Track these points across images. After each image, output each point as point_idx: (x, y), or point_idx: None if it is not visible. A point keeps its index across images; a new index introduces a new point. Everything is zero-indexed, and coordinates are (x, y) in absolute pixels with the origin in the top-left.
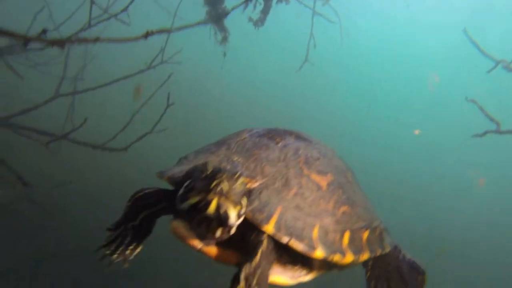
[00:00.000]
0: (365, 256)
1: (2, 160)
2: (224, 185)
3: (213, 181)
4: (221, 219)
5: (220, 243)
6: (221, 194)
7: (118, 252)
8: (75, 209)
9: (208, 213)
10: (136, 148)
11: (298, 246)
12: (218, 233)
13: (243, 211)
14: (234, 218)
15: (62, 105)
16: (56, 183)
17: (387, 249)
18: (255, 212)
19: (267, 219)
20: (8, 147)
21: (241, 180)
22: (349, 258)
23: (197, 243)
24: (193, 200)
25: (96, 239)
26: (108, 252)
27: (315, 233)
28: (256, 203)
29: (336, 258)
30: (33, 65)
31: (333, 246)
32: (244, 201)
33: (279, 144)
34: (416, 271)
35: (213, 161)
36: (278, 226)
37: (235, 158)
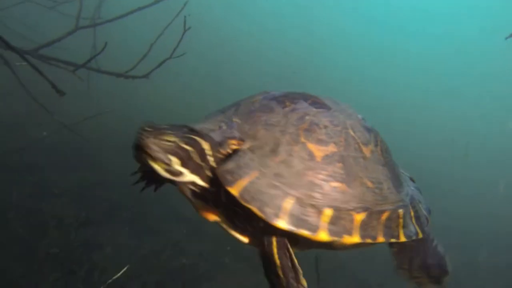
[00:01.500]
0: (352, 239)
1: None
2: (142, 141)
3: (137, 137)
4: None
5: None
6: (139, 149)
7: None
8: (108, 139)
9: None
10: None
11: (261, 213)
12: (170, 177)
13: (174, 168)
14: (161, 172)
15: (85, 45)
16: (88, 115)
17: (402, 239)
18: (224, 173)
19: (233, 182)
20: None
21: (165, 137)
22: (322, 236)
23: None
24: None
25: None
26: (139, 179)
27: (287, 203)
28: (230, 165)
29: (305, 233)
30: (52, 6)
31: (305, 221)
32: (173, 158)
33: (287, 108)
34: (442, 270)
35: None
36: (244, 190)
37: (235, 119)
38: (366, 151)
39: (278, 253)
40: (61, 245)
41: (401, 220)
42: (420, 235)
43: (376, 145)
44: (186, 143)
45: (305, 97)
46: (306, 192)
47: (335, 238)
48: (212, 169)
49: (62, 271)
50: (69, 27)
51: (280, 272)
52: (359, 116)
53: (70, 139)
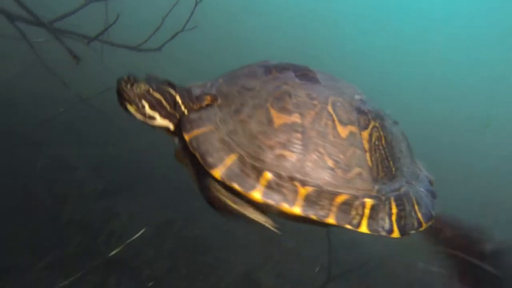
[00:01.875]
0: (293, 210)
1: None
2: (121, 87)
3: (117, 84)
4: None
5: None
6: (119, 94)
7: None
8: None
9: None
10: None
11: (202, 160)
12: (142, 119)
13: (145, 111)
14: (136, 114)
15: (94, 21)
16: (102, 88)
17: (363, 229)
18: (186, 121)
19: (190, 130)
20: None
21: (138, 85)
22: (256, 195)
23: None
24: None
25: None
26: None
27: (230, 159)
28: (193, 115)
29: (237, 187)
30: None
31: (241, 177)
32: (144, 103)
33: (270, 76)
34: None
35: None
36: (194, 138)
37: (220, 80)
38: (342, 130)
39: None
40: (82, 212)
41: (367, 211)
42: (395, 235)
43: (364, 129)
44: (156, 91)
45: (297, 69)
46: (252, 154)
47: (270, 202)
48: (184, 115)
49: (84, 235)
50: (78, 2)
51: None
52: (357, 97)
53: (86, 114)
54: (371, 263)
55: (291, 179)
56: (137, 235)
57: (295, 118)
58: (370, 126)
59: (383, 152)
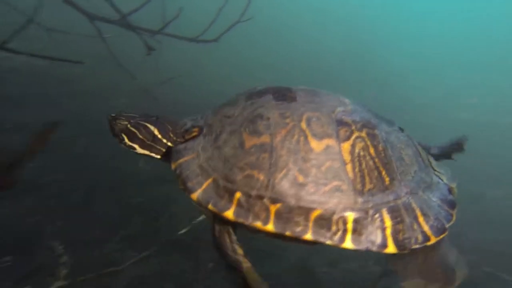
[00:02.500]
0: (266, 227)
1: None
2: (109, 123)
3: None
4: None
5: None
6: (109, 127)
7: None
8: (182, 102)
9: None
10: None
11: (182, 185)
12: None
13: (125, 142)
14: (119, 143)
15: (148, 15)
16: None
17: (347, 245)
18: (174, 151)
19: (176, 159)
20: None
21: (119, 121)
22: (228, 215)
23: None
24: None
25: None
26: None
27: (206, 183)
28: (180, 146)
29: (212, 208)
30: None
31: (215, 199)
32: (124, 136)
33: (248, 102)
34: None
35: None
36: (178, 166)
37: (208, 111)
38: (317, 144)
39: (215, 228)
40: (145, 197)
41: (349, 225)
42: (391, 250)
43: (345, 140)
44: (132, 126)
45: (277, 91)
46: (225, 176)
47: (242, 220)
48: (168, 147)
49: (147, 216)
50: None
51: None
52: (340, 109)
53: (147, 105)
54: None
55: (260, 197)
56: (198, 219)
57: (265, 138)
58: (353, 137)
59: (371, 162)
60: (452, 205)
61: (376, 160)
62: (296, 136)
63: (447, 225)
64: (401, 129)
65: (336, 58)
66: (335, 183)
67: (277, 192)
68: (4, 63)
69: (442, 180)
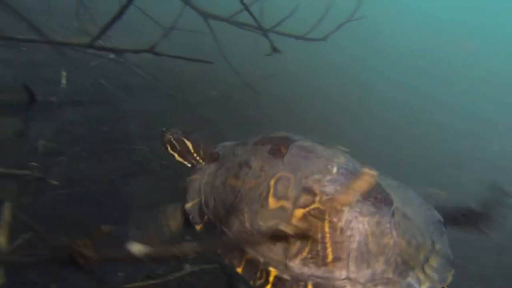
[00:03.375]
0: (218, 248)
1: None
2: (160, 136)
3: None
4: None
5: None
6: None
7: None
8: (282, 98)
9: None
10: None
11: (184, 195)
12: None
13: (168, 151)
14: (164, 151)
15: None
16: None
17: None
18: (193, 168)
19: (191, 174)
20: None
21: (166, 135)
22: (198, 228)
23: None
24: None
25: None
26: None
27: (195, 200)
28: (198, 166)
29: (191, 219)
30: None
31: (195, 213)
32: (168, 146)
33: (253, 147)
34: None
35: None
36: (188, 180)
37: (230, 144)
38: (273, 202)
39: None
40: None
41: (270, 278)
42: None
43: (300, 207)
44: (175, 140)
45: (276, 143)
46: (206, 201)
47: (204, 235)
48: (197, 161)
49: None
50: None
51: None
52: (317, 176)
53: (249, 98)
54: None
55: (220, 223)
56: None
57: (239, 182)
58: (311, 207)
59: (319, 235)
60: None
61: (328, 234)
62: (261, 190)
63: None
64: (406, 216)
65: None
66: (273, 240)
67: (228, 226)
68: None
69: (421, 277)
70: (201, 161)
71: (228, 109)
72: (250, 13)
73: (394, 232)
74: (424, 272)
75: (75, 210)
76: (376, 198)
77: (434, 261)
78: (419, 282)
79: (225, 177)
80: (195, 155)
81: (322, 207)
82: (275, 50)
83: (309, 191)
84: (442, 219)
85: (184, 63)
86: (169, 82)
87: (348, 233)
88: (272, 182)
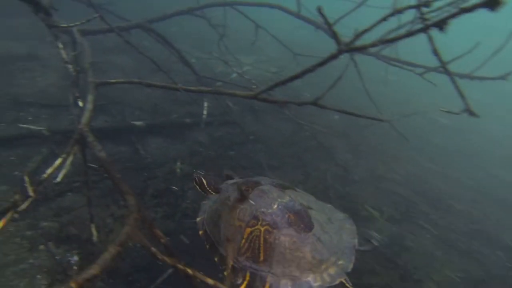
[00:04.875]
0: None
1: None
2: (193, 174)
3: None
4: None
5: None
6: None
7: None
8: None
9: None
10: None
11: (198, 216)
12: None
13: (194, 185)
14: (195, 184)
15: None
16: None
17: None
18: (207, 197)
19: (204, 200)
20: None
21: (195, 174)
22: (200, 234)
23: None
24: None
25: None
26: None
27: (202, 217)
28: (210, 196)
29: (198, 227)
30: None
31: (200, 226)
32: (194, 181)
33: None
34: None
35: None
36: (202, 205)
37: (231, 182)
38: (237, 222)
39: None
40: None
41: (229, 269)
42: None
43: (249, 227)
44: (197, 177)
45: (250, 185)
46: (207, 218)
47: (205, 239)
48: (209, 193)
49: None
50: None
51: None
52: (263, 210)
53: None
54: None
55: (210, 232)
56: None
57: (222, 208)
58: (255, 227)
59: (257, 243)
60: None
61: (262, 244)
62: (231, 215)
63: None
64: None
65: None
66: (233, 244)
67: (213, 234)
68: None
69: (317, 279)
70: (212, 192)
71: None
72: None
73: (305, 249)
74: (321, 276)
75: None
76: (300, 226)
77: (332, 270)
78: (315, 281)
79: (217, 204)
80: (207, 189)
81: (261, 228)
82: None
83: (256, 217)
84: (356, 246)
85: (311, 92)
86: (293, 107)
87: (274, 245)
88: (238, 210)
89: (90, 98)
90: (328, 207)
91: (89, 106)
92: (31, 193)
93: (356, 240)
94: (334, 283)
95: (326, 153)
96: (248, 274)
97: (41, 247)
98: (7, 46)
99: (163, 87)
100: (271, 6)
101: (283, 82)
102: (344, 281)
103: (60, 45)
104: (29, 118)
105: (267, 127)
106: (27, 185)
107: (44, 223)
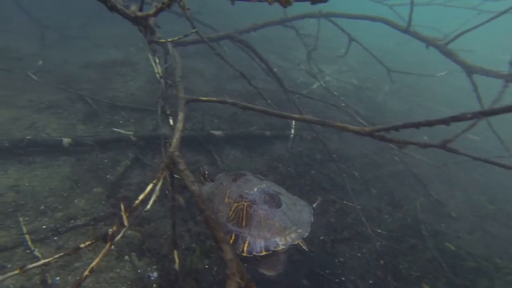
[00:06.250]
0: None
1: None
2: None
3: None
4: None
5: None
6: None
7: None
8: None
9: None
10: None
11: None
12: None
13: (200, 179)
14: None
15: None
16: None
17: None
18: (208, 183)
19: (204, 186)
20: None
21: (201, 168)
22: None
23: None
24: None
25: None
26: None
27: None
28: (206, 183)
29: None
30: None
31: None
32: (201, 174)
33: (230, 177)
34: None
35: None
36: (204, 186)
37: (222, 175)
38: (227, 200)
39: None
40: None
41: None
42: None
43: (236, 202)
44: (202, 171)
45: (237, 176)
46: (205, 196)
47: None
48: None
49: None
50: None
51: None
52: (246, 191)
53: None
54: None
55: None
56: None
57: (216, 191)
58: (240, 202)
59: (241, 214)
60: (268, 248)
61: (244, 215)
62: (223, 194)
63: (256, 252)
64: (282, 209)
65: None
66: (224, 215)
67: (219, 210)
68: None
69: (282, 239)
70: (208, 181)
71: None
72: None
73: (275, 219)
74: (285, 238)
75: None
76: (272, 204)
77: (293, 235)
78: (280, 240)
79: (213, 188)
80: (207, 178)
81: (244, 204)
82: None
83: (241, 196)
84: (312, 221)
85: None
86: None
87: (253, 216)
88: (228, 191)
89: (180, 116)
90: (294, 197)
91: (179, 125)
92: (125, 222)
93: (312, 218)
94: (293, 243)
95: (415, 180)
96: (233, 235)
97: (126, 257)
98: (109, 53)
99: (262, 112)
100: (374, 19)
101: (407, 126)
102: (300, 244)
103: (156, 60)
104: (120, 122)
105: (350, 145)
106: (122, 214)
107: (128, 231)
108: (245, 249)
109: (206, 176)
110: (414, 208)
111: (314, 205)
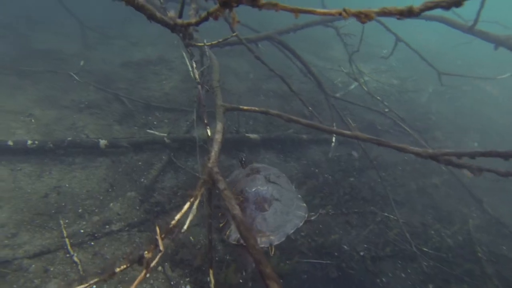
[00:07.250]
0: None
1: None
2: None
3: None
4: None
5: None
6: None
7: None
8: None
9: None
10: None
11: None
12: None
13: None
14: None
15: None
16: None
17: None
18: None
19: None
20: None
21: (239, 157)
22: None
23: None
24: None
25: None
26: None
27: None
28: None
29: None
30: None
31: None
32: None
33: (247, 169)
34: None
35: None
36: (229, 174)
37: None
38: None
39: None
40: None
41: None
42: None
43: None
44: (240, 157)
45: (255, 169)
46: (231, 179)
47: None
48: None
49: None
50: None
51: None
52: (247, 189)
53: None
54: None
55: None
56: None
57: (240, 176)
58: (238, 196)
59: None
60: (238, 241)
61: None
62: (234, 184)
63: (232, 240)
64: (277, 199)
65: None
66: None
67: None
68: None
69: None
70: (243, 167)
71: None
72: None
73: (256, 220)
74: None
75: None
76: (259, 207)
77: (263, 239)
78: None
79: (234, 176)
80: (244, 165)
81: (241, 198)
82: None
83: (241, 192)
84: (289, 234)
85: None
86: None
87: (252, 197)
88: (237, 184)
89: (219, 126)
90: (301, 206)
91: (218, 137)
92: (161, 247)
93: (291, 231)
94: (260, 246)
95: (465, 193)
96: (225, 221)
97: (159, 268)
98: (145, 51)
99: (307, 126)
100: (429, 18)
101: (491, 155)
102: (268, 248)
103: (193, 64)
104: (155, 123)
105: (390, 151)
106: (158, 238)
107: None
108: (227, 234)
109: (243, 163)
110: (465, 225)
111: (313, 217)
